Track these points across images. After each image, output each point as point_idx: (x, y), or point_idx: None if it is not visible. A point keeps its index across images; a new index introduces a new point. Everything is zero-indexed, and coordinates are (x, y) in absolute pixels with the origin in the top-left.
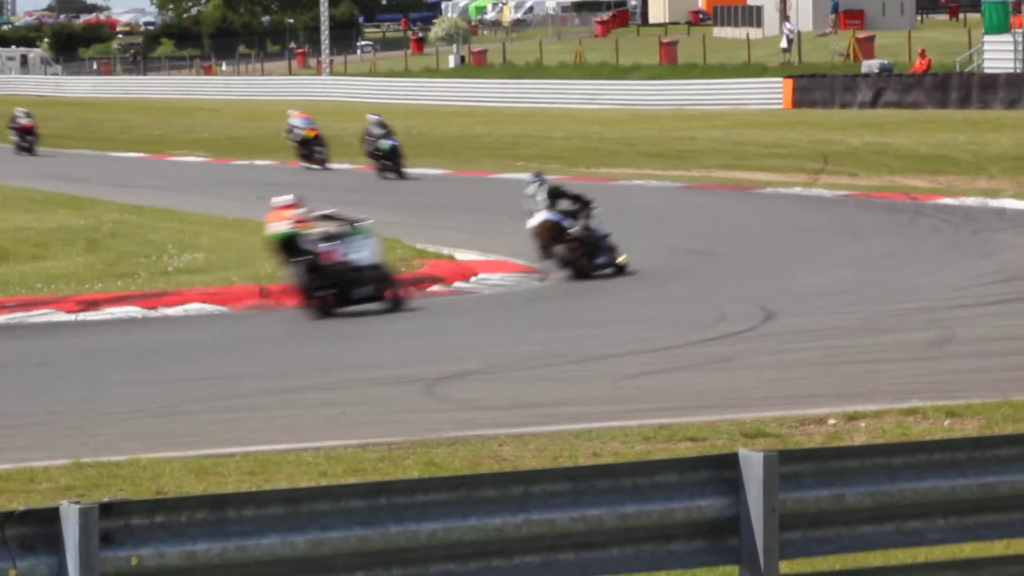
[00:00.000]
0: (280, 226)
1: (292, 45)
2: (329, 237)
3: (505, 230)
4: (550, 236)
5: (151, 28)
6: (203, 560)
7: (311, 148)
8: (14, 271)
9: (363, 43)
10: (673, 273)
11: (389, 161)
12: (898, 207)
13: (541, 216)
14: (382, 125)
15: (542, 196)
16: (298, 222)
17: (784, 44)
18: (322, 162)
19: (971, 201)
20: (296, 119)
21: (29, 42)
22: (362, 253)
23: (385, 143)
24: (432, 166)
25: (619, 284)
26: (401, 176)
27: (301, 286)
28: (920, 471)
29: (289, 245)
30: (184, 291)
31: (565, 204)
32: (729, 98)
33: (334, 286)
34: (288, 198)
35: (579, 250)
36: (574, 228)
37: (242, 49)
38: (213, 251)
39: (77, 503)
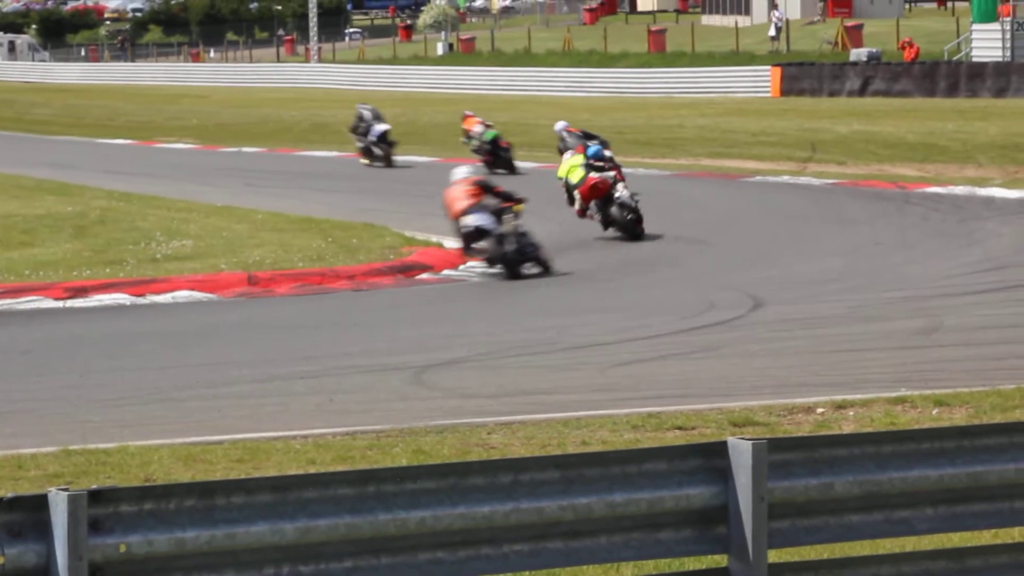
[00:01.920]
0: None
1: (280, 32)
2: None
3: None
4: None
5: (139, 15)
6: (191, 547)
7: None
8: (1, 258)
9: (351, 30)
10: (661, 261)
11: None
12: (886, 195)
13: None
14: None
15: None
16: (474, 196)
17: (772, 32)
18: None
19: (959, 189)
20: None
21: (16, 28)
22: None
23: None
24: (420, 154)
25: (608, 272)
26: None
27: (492, 255)
28: (909, 460)
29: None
30: (172, 278)
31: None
32: (717, 86)
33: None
34: (467, 169)
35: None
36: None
37: (230, 36)
38: (201, 238)
39: (66, 490)
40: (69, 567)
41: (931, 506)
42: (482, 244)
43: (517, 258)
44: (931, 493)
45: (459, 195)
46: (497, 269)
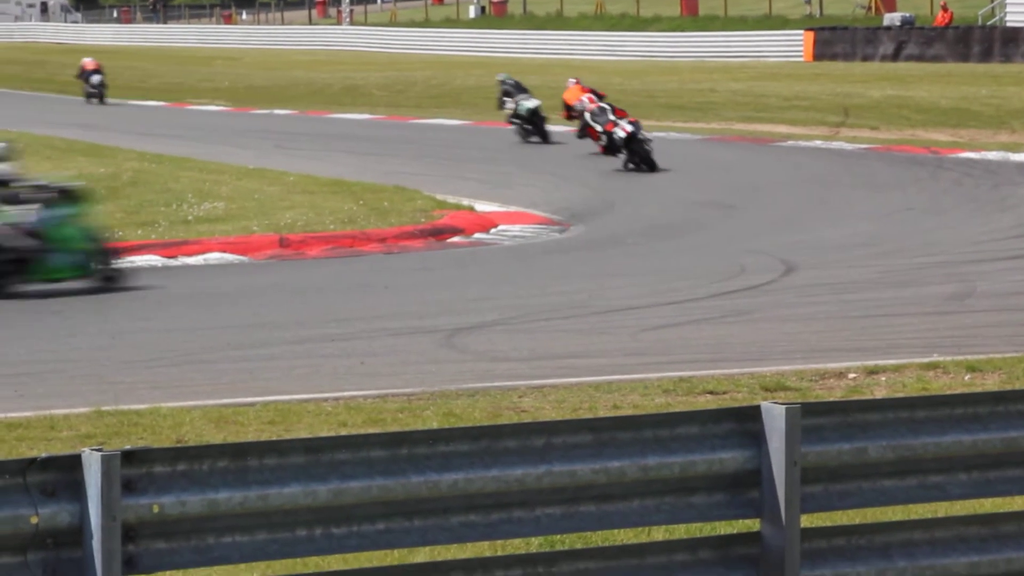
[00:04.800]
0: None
1: None
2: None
3: (524, 181)
4: None
5: None
6: (224, 508)
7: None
8: None
9: None
10: (693, 226)
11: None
12: (919, 161)
13: None
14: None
15: None
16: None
17: None
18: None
19: (992, 155)
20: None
21: None
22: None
23: (526, 104)
24: (451, 116)
25: (639, 237)
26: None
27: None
28: (942, 425)
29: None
30: (204, 240)
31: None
32: (750, 50)
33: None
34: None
35: None
36: None
37: None
38: (233, 200)
39: (99, 450)
40: (102, 527)
41: (964, 471)
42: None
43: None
44: (965, 458)
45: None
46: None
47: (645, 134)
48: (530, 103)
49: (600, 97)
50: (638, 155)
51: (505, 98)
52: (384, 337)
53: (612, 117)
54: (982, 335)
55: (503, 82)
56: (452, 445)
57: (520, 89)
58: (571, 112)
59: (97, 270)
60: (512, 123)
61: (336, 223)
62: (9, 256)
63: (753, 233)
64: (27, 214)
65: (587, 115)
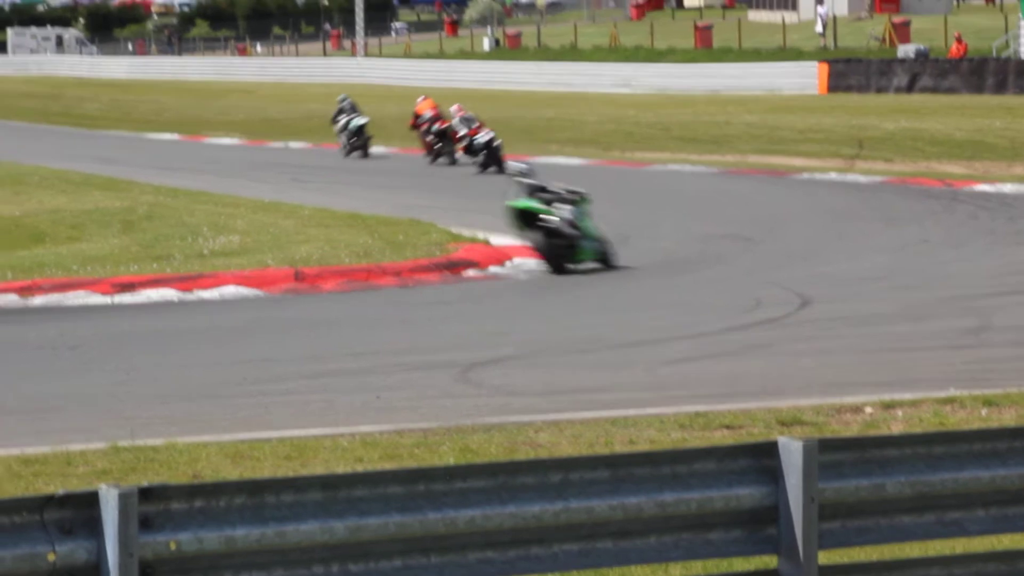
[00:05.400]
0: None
1: (327, 26)
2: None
3: None
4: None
5: (186, 9)
6: (242, 545)
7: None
8: (50, 253)
9: (398, 25)
10: (708, 259)
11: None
12: (934, 193)
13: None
14: (354, 107)
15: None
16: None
17: (819, 28)
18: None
19: (1008, 188)
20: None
21: (64, 22)
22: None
23: (480, 139)
24: None
25: (655, 270)
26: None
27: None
28: (960, 461)
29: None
30: (219, 274)
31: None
32: (764, 82)
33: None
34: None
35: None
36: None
37: (277, 30)
38: (248, 234)
39: (116, 487)
40: (120, 564)
41: (983, 508)
42: None
43: None
44: (983, 494)
45: None
46: None
47: (498, 142)
48: (359, 121)
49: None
50: (493, 158)
51: (339, 116)
52: (400, 371)
53: (475, 125)
54: (999, 369)
55: (341, 101)
56: (469, 481)
57: (354, 110)
58: (417, 120)
59: (604, 255)
60: (340, 139)
61: (351, 256)
62: (567, 242)
63: (769, 266)
64: (567, 211)
65: (455, 120)
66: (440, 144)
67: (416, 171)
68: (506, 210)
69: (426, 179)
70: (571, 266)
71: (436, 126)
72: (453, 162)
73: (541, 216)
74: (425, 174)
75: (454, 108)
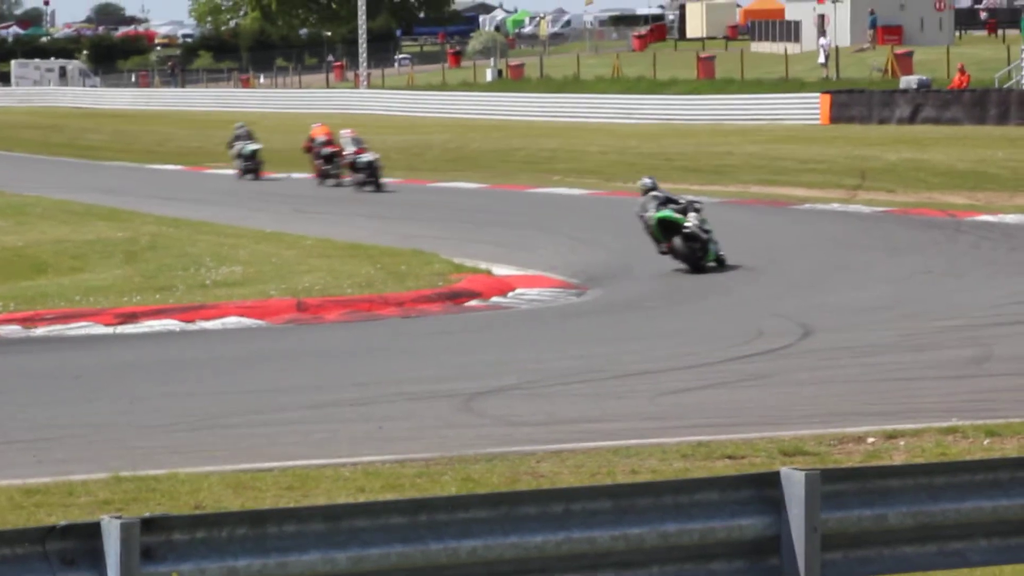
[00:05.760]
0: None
1: (330, 58)
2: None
3: (542, 244)
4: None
5: (189, 40)
6: None
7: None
8: (52, 283)
9: (401, 56)
10: (710, 289)
11: (250, 162)
12: (936, 224)
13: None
14: (250, 135)
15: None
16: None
17: (822, 59)
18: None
19: (1010, 218)
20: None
21: (68, 54)
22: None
23: (363, 159)
24: (468, 180)
25: (655, 300)
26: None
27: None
28: (962, 491)
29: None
30: (222, 304)
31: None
32: (766, 113)
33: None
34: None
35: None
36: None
37: (280, 62)
38: (251, 264)
39: (118, 518)
40: None
41: (985, 538)
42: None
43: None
44: (985, 525)
45: None
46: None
47: (380, 163)
48: (252, 147)
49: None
50: (372, 176)
51: (235, 142)
52: (402, 401)
53: (362, 146)
54: (1001, 399)
55: (237, 128)
56: (472, 512)
57: (249, 137)
58: (312, 144)
59: (720, 256)
60: (235, 163)
61: (354, 287)
62: (702, 245)
63: (771, 296)
64: (695, 218)
65: (343, 139)
66: (328, 167)
67: (416, 202)
68: (649, 221)
69: (430, 210)
70: (707, 265)
71: (326, 150)
72: (339, 184)
73: (684, 224)
74: (430, 205)
75: (346, 131)
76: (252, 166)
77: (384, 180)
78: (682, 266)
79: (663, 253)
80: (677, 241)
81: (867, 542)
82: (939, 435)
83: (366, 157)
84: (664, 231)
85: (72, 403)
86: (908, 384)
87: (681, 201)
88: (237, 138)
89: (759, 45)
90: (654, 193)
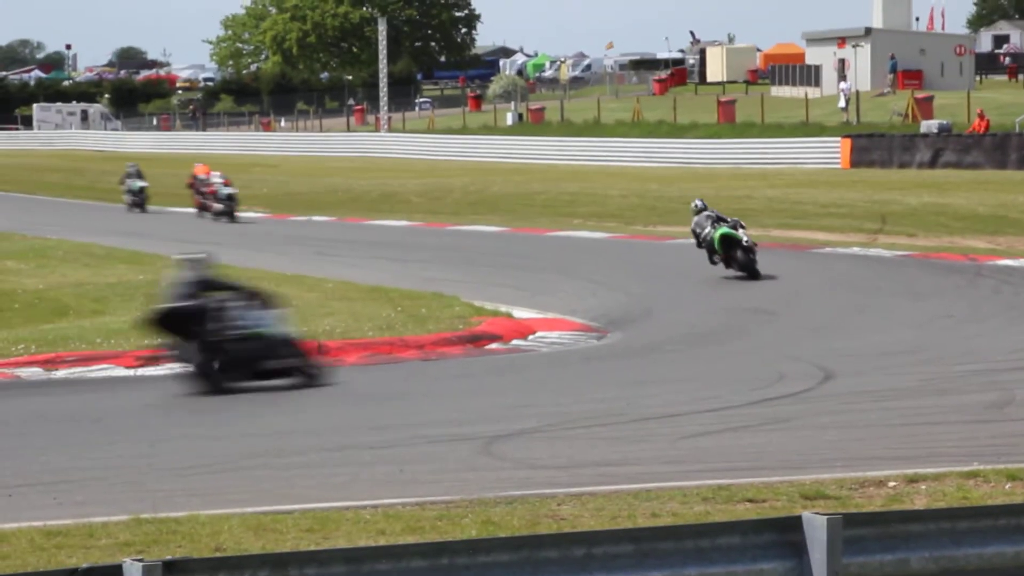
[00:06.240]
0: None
1: (351, 102)
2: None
3: (563, 287)
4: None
5: (210, 84)
6: None
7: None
8: (73, 326)
9: (421, 100)
10: (731, 332)
11: (138, 198)
12: (957, 268)
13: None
14: (140, 173)
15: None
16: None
17: (842, 103)
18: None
19: None
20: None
21: (89, 97)
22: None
23: (224, 191)
24: (489, 223)
25: (677, 343)
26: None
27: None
28: (985, 536)
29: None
30: None
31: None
32: (787, 157)
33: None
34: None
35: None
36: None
37: (301, 105)
38: None
39: (140, 560)
40: None
41: None
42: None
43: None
44: (1007, 570)
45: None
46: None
47: (237, 195)
48: (140, 184)
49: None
50: (230, 206)
51: (125, 179)
52: (422, 444)
53: (225, 180)
54: (1022, 443)
55: (128, 167)
56: (492, 555)
57: (139, 175)
58: (194, 180)
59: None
60: (125, 197)
61: (374, 330)
62: (755, 256)
63: (792, 340)
64: (744, 233)
65: (212, 177)
66: (204, 202)
67: (436, 245)
68: (709, 237)
69: (450, 252)
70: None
71: (205, 189)
72: (216, 217)
73: (743, 239)
74: (449, 248)
75: (216, 173)
76: (139, 200)
77: (241, 212)
78: (738, 274)
79: (715, 263)
80: (738, 253)
81: None
82: (960, 479)
83: (228, 189)
84: (725, 245)
85: (92, 445)
86: (929, 428)
87: (730, 220)
88: (128, 176)
89: (779, 89)
90: (707, 213)
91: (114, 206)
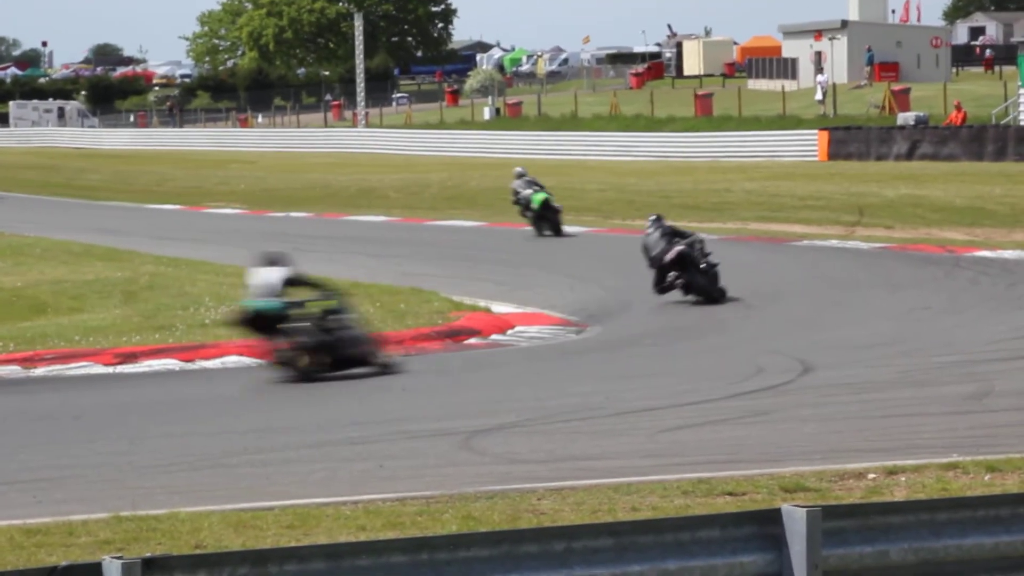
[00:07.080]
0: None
1: (328, 97)
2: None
3: (541, 282)
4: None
5: (187, 80)
6: None
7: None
8: (52, 323)
9: (398, 95)
10: (709, 326)
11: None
12: (935, 260)
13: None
14: (533, 181)
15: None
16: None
17: (819, 96)
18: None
19: (1008, 253)
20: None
21: (66, 95)
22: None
23: (537, 197)
24: (467, 218)
25: (655, 338)
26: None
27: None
28: (964, 527)
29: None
30: (222, 343)
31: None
32: (764, 150)
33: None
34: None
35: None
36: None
37: (278, 101)
38: None
39: (119, 558)
40: None
41: (986, 574)
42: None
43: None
44: (986, 561)
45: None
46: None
47: None
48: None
49: None
50: None
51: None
52: (402, 440)
53: None
54: (1001, 435)
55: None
56: (473, 550)
57: (536, 183)
58: None
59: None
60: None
61: None
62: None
63: (770, 333)
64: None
65: None
66: None
67: (415, 240)
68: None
69: (428, 248)
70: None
71: None
72: None
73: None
74: (428, 243)
75: None
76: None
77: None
78: (689, 298)
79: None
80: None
81: None
82: (940, 471)
83: None
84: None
85: (72, 443)
86: (908, 420)
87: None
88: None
89: (756, 82)
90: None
91: (91, 204)
